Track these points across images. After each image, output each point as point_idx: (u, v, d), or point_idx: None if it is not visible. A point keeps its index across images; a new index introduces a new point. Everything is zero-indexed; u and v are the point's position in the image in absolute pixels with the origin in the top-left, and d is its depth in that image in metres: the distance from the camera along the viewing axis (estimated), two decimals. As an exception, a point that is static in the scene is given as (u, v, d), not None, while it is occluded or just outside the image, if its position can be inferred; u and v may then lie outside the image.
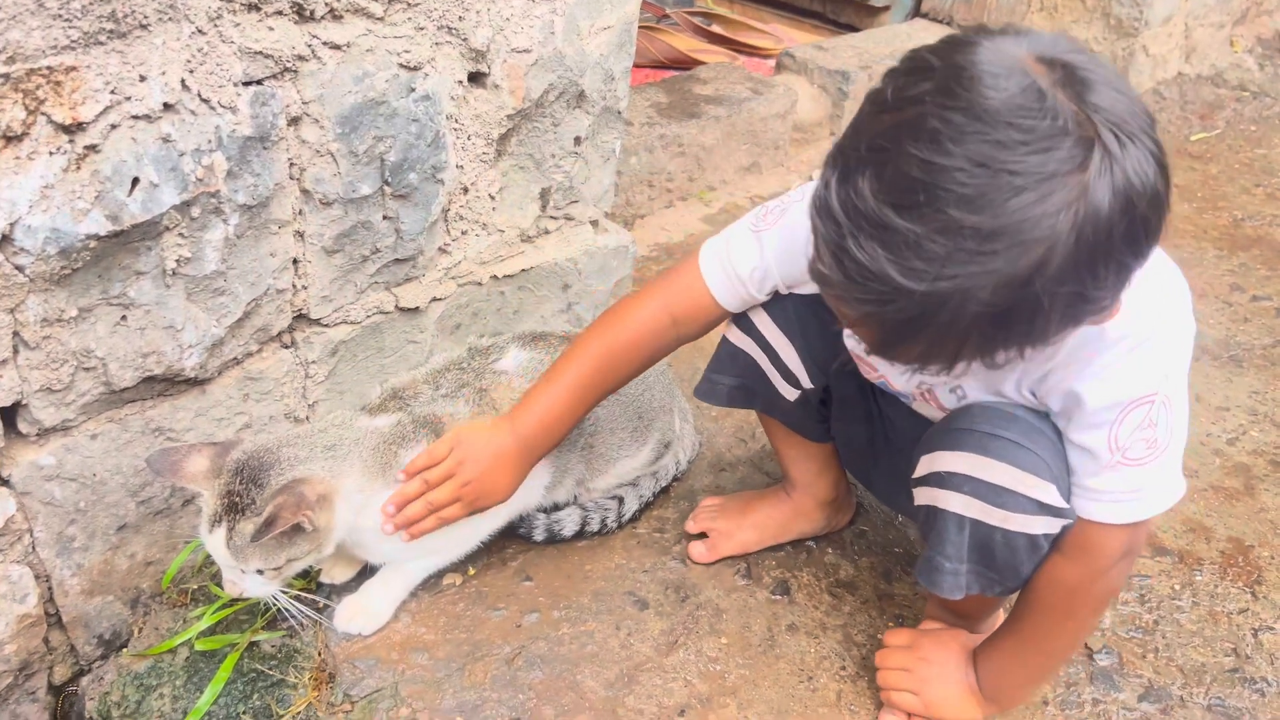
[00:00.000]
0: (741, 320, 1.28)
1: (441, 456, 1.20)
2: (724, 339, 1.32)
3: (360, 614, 1.29)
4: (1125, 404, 0.97)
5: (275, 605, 1.22)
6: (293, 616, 1.23)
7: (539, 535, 1.41)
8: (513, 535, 1.42)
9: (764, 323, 1.26)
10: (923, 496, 1.11)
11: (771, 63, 2.85)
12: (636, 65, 2.30)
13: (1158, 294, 0.97)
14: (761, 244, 1.18)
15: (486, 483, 1.21)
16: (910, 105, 0.79)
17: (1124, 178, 0.77)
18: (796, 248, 1.16)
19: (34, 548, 1.18)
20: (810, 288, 1.19)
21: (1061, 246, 0.77)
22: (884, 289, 0.79)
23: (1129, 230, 0.78)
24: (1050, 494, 1.02)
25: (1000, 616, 1.29)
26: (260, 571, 1.15)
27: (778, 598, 1.39)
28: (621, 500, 1.46)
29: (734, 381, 1.33)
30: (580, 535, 1.43)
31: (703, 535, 1.45)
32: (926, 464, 1.10)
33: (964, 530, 1.07)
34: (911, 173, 0.77)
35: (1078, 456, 1.03)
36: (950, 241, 0.77)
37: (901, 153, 0.78)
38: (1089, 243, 0.77)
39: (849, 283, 0.82)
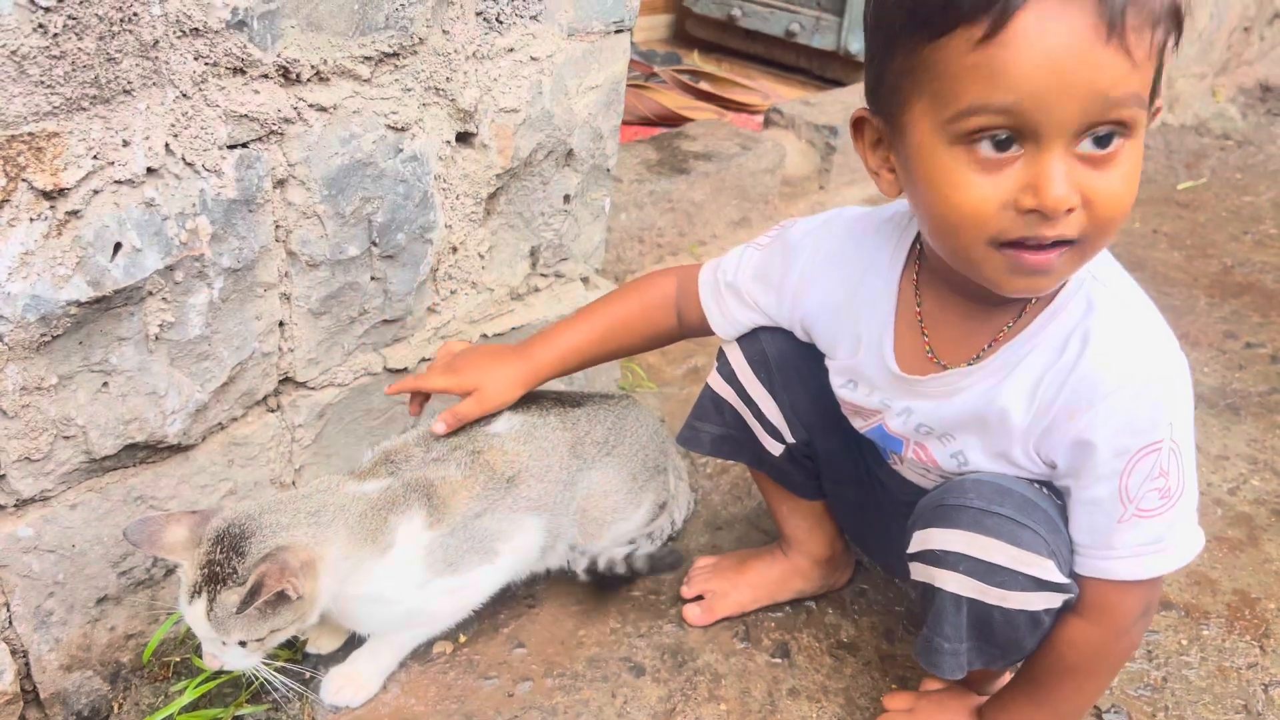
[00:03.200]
0: (723, 368, 1.28)
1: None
2: (707, 386, 1.32)
3: (348, 685, 1.25)
4: (1133, 453, 0.95)
5: (259, 678, 1.18)
6: (276, 689, 1.19)
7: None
8: (504, 601, 1.39)
9: (744, 373, 1.25)
10: (918, 573, 1.08)
11: (759, 119, 2.87)
12: (626, 123, 2.32)
13: (1150, 338, 0.96)
14: (742, 258, 1.23)
15: (478, 360, 1.29)
16: None
17: None
18: (768, 274, 1.19)
19: (10, 622, 1.15)
20: (777, 319, 1.21)
21: None
22: None
23: None
24: (1049, 570, 0.99)
25: (1006, 675, 1.26)
26: (242, 643, 1.11)
27: (778, 661, 1.35)
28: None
29: (719, 431, 1.32)
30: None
31: (699, 598, 1.41)
32: (920, 540, 1.07)
33: (961, 610, 1.04)
34: None
35: (1090, 514, 0.99)
36: None
37: None
38: None
39: None
